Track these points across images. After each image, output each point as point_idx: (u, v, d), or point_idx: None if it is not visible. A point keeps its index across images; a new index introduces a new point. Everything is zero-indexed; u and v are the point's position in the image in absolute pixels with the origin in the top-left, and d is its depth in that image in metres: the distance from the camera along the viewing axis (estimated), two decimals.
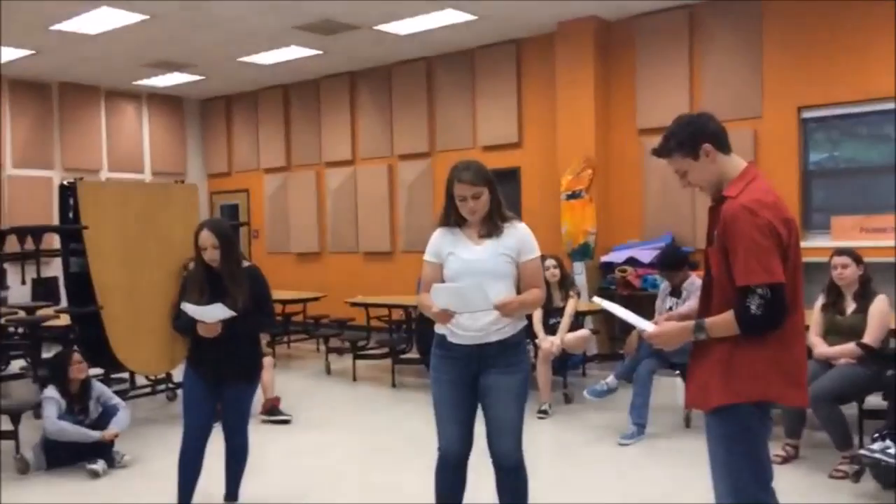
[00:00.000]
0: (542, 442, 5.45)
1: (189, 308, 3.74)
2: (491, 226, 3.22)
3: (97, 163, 11.44)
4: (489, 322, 3.14)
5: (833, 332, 4.80)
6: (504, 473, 3.27)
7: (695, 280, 5.50)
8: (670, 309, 5.44)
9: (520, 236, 3.24)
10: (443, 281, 3.22)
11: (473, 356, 3.20)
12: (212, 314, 3.72)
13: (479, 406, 3.27)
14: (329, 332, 8.65)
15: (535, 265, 3.26)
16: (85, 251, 5.69)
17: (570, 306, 6.29)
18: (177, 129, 12.51)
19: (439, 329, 3.28)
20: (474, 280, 3.06)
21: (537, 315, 6.13)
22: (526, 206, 9.05)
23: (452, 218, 3.27)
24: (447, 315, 3.09)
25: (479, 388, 3.23)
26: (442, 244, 3.28)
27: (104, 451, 4.92)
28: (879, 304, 4.67)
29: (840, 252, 4.86)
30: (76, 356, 5.10)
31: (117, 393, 5.48)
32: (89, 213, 5.70)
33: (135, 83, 11.25)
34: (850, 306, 4.78)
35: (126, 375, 6.47)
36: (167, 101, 12.28)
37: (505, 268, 3.20)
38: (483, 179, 3.18)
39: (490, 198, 3.21)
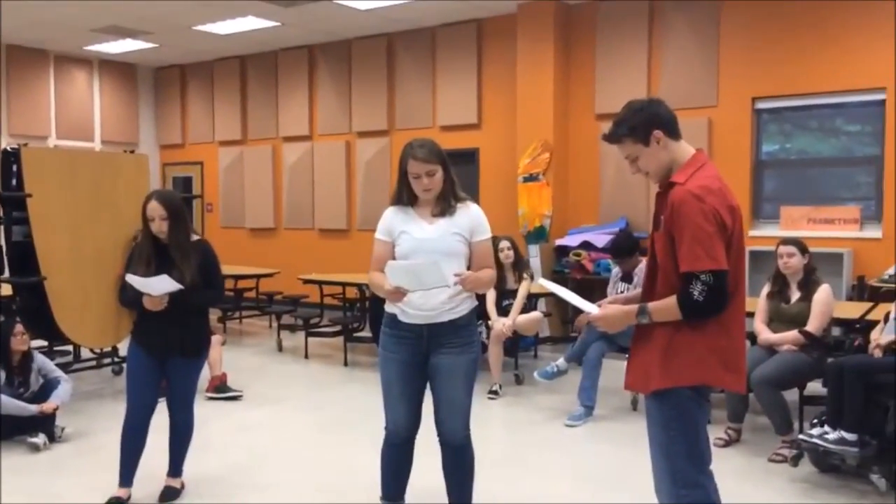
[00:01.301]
0: (491, 421, 5.49)
1: (134, 280, 3.66)
2: (444, 205, 3.20)
3: (45, 129, 11.09)
4: (441, 301, 3.13)
5: (777, 320, 4.90)
6: (451, 451, 3.29)
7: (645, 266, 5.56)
8: (621, 294, 5.51)
9: (472, 216, 3.23)
10: (394, 259, 3.19)
11: (424, 336, 3.18)
12: (157, 286, 3.64)
13: (428, 385, 3.27)
14: (282, 309, 8.57)
15: (486, 246, 3.26)
16: (28, 220, 5.53)
17: (523, 288, 6.31)
18: (129, 98, 12.19)
19: (390, 308, 3.26)
20: (430, 258, 3.04)
21: (491, 296, 6.16)
22: (483, 187, 9.05)
23: (405, 196, 3.24)
24: (399, 294, 3.07)
25: (428, 367, 3.22)
26: (394, 222, 3.25)
27: (45, 425, 4.82)
28: (822, 294, 4.78)
29: (786, 242, 4.96)
30: (18, 327, 4.97)
31: (60, 366, 5.36)
32: (33, 180, 5.52)
33: (86, 48, 10.91)
34: (795, 295, 4.88)
35: (70, 348, 6.34)
36: (120, 69, 11.95)
37: (457, 247, 3.18)
38: (437, 157, 3.16)
39: (444, 177, 3.19)
